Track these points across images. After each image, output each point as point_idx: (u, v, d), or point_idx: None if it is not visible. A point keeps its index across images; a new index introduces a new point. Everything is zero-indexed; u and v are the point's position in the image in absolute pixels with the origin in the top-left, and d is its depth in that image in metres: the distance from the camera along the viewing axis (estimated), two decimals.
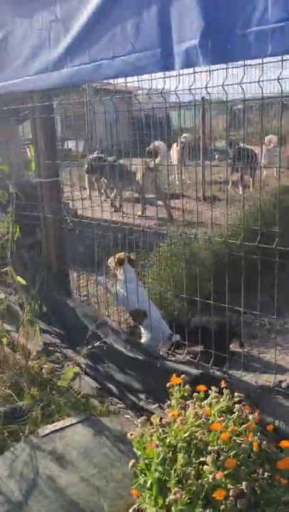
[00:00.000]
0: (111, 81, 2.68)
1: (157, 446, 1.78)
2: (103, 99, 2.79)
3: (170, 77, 2.24)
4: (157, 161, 7.11)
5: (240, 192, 7.28)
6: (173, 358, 2.84)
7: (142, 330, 3.29)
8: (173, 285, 3.13)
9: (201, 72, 2.10)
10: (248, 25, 1.68)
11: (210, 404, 1.98)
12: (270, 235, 2.10)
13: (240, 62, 1.90)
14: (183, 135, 9.85)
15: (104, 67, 2.35)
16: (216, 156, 8.72)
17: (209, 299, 2.45)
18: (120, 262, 3.30)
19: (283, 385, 2.44)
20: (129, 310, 3.29)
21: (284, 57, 1.72)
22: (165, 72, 2.18)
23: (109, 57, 2.30)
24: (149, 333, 3.21)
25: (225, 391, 2.02)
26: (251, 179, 7.11)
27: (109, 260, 3.42)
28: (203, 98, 6.74)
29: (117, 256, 3.32)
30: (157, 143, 7.10)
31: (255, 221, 2.97)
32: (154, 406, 2.34)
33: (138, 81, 2.52)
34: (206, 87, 2.00)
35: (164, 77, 2.25)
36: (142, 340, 3.23)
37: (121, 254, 3.34)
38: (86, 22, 2.35)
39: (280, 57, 1.73)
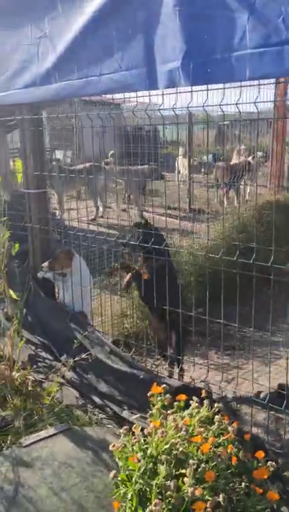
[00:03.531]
0: None
1: (139, 460, 1.81)
2: (91, 114, 2.82)
3: (157, 95, 2.33)
4: None
5: (225, 205, 7.39)
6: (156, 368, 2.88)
7: None
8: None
9: (186, 92, 2.20)
10: (228, 50, 1.76)
11: (191, 415, 2.02)
12: (253, 248, 2.17)
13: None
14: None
15: (91, 84, 2.42)
16: (202, 170, 8.86)
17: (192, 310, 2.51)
18: (70, 256, 3.15)
19: (261, 395, 2.50)
20: (72, 312, 3.15)
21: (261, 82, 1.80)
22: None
23: (96, 75, 2.37)
24: None
25: (205, 401, 2.06)
26: (234, 194, 7.23)
27: (46, 264, 3.21)
28: (189, 114, 6.89)
29: (60, 252, 3.17)
30: None
31: (238, 235, 3.04)
32: (135, 416, 2.37)
33: (126, 98, 2.59)
34: (187, 107, 2.07)
35: (150, 95, 2.33)
36: None
37: (64, 249, 3.19)
38: (74, 40, 2.42)
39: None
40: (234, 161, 8.54)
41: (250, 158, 7.61)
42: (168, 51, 1.98)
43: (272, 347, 3.38)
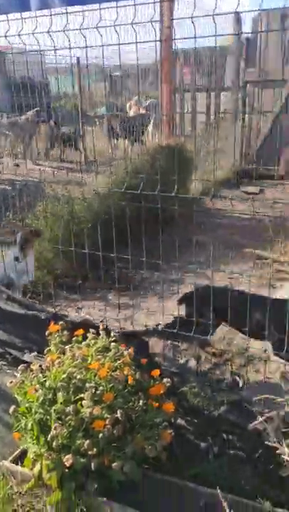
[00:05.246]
0: None
1: (36, 390, 1.82)
2: None
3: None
4: None
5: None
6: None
7: None
8: (51, 241, 3.13)
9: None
10: None
11: (88, 345, 2.07)
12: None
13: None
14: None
15: None
16: (97, 122, 8.67)
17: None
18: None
19: (159, 327, 2.65)
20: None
21: None
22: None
23: None
24: None
25: (101, 332, 2.12)
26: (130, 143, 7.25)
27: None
28: (78, 59, 6.60)
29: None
30: None
31: (130, 180, 3.06)
32: (32, 354, 2.36)
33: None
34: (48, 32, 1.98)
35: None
36: None
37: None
38: None
39: None
40: (131, 113, 8.50)
41: (142, 110, 7.64)
42: None
43: (169, 284, 3.57)
